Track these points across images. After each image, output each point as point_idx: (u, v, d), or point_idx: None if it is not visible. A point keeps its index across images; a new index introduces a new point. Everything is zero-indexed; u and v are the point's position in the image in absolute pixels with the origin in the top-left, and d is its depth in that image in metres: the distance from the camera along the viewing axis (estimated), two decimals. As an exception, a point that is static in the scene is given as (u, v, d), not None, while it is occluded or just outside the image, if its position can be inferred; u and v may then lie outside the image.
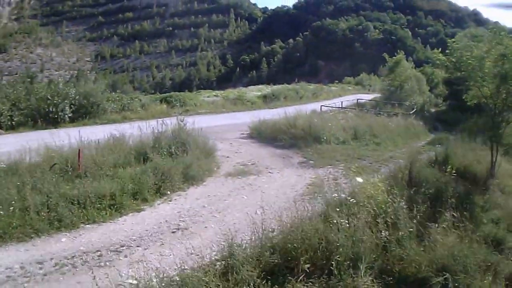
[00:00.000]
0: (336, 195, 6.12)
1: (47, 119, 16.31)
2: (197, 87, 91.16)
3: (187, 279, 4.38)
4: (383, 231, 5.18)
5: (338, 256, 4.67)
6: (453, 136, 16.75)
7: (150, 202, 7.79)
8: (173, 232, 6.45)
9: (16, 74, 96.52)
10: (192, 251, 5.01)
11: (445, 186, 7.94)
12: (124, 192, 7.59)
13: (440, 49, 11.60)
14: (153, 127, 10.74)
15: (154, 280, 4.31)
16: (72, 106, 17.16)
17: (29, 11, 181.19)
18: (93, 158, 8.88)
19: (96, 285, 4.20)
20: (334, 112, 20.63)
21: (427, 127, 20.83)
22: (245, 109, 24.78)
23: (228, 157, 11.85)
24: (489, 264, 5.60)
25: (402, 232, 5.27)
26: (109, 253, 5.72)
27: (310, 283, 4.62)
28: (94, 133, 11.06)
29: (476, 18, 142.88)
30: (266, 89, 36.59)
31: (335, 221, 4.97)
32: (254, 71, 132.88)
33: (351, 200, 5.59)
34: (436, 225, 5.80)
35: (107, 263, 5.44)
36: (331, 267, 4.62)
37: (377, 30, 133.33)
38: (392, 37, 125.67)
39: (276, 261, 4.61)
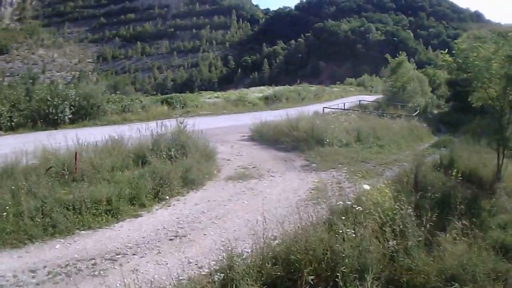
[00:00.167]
0: (341, 202, 5.88)
1: (47, 120, 16.28)
2: (198, 88, 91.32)
3: (183, 292, 4.17)
4: (390, 240, 4.95)
5: (343, 267, 4.44)
6: (457, 138, 16.58)
7: (148, 207, 7.56)
8: (170, 239, 6.21)
9: (18, 75, 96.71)
10: (190, 260, 4.80)
11: (452, 191, 7.74)
12: (121, 197, 7.37)
13: (447, 50, 11.37)
14: (152, 130, 10.53)
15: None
16: (72, 107, 17.15)
17: (31, 12, 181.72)
18: (90, 161, 8.71)
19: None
20: (336, 113, 20.46)
21: (430, 129, 20.60)
22: (246, 111, 24.68)
23: (228, 160, 11.65)
24: (499, 273, 5.39)
25: (410, 241, 5.04)
26: (103, 261, 5.49)
27: (314, 295, 4.40)
28: (93, 135, 10.94)
29: (478, 19, 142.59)
30: (268, 90, 36.55)
31: (340, 231, 4.74)
32: (256, 72, 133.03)
33: (357, 208, 5.35)
34: (445, 233, 5.59)
35: (101, 272, 5.22)
36: (336, 279, 4.39)
37: (379, 32, 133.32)
38: (394, 38, 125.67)
39: (278, 273, 4.38)
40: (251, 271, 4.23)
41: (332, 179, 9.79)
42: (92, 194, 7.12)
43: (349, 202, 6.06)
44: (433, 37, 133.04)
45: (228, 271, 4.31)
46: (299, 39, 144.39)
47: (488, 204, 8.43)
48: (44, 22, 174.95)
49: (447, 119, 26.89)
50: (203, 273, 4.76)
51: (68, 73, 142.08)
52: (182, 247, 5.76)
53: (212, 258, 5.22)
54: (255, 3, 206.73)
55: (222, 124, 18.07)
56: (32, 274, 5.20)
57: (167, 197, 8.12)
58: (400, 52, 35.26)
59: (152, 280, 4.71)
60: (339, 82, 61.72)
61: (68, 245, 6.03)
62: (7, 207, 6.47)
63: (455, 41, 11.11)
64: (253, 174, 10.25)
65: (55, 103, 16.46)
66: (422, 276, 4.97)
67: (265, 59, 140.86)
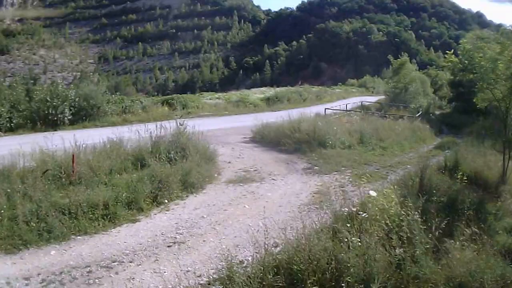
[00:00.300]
0: (346, 208, 5.68)
1: (47, 121, 16.15)
2: (200, 89, 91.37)
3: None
4: (397, 248, 4.76)
5: (348, 277, 4.25)
6: (461, 139, 16.39)
7: (146, 212, 7.36)
8: (169, 246, 6.00)
9: (19, 75, 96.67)
10: (188, 268, 4.61)
11: (459, 195, 7.56)
12: (119, 201, 7.16)
13: (452, 50, 11.22)
14: (151, 132, 10.34)
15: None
16: (72, 108, 17.02)
17: (33, 12, 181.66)
18: (88, 163, 8.52)
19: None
20: (338, 115, 20.28)
21: (433, 130, 20.38)
22: (247, 112, 24.51)
23: (229, 162, 11.46)
24: (507, 280, 5.21)
25: (418, 249, 4.85)
26: (99, 269, 5.30)
27: (318, 306, 4.20)
28: (92, 136, 10.76)
29: (480, 21, 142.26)
30: (269, 91, 36.49)
31: (345, 239, 4.55)
32: (257, 74, 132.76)
33: (363, 215, 5.15)
34: (453, 239, 5.40)
35: (96, 280, 5.03)
36: (341, 289, 4.21)
37: (380, 33, 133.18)
38: (396, 39, 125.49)
39: (280, 284, 4.18)
40: (251, 282, 4.03)
41: (335, 183, 9.61)
42: (89, 198, 6.94)
43: (354, 209, 5.85)
44: (435, 38, 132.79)
45: (227, 282, 4.11)
46: (300, 40, 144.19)
47: (494, 207, 8.26)
48: (45, 22, 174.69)
49: (449, 120, 26.66)
50: (201, 282, 4.57)
51: (69, 73, 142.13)
52: (180, 254, 5.57)
53: (211, 266, 5.04)
54: (256, 4, 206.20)
55: (223, 126, 17.89)
56: (26, 281, 5.03)
57: (166, 201, 7.92)
58: (402, 53, 35.17)
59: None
60: (340, 83, 61.67)
61: (64, 251, 5.85)
62: (2, 211, 6.33)
63: (461, 41, 10.96)
64: (254, 177, 10.06)
65: (54, 104, 16.35)
66: (430, 284, 4.80)
67: (267, 60, 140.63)
